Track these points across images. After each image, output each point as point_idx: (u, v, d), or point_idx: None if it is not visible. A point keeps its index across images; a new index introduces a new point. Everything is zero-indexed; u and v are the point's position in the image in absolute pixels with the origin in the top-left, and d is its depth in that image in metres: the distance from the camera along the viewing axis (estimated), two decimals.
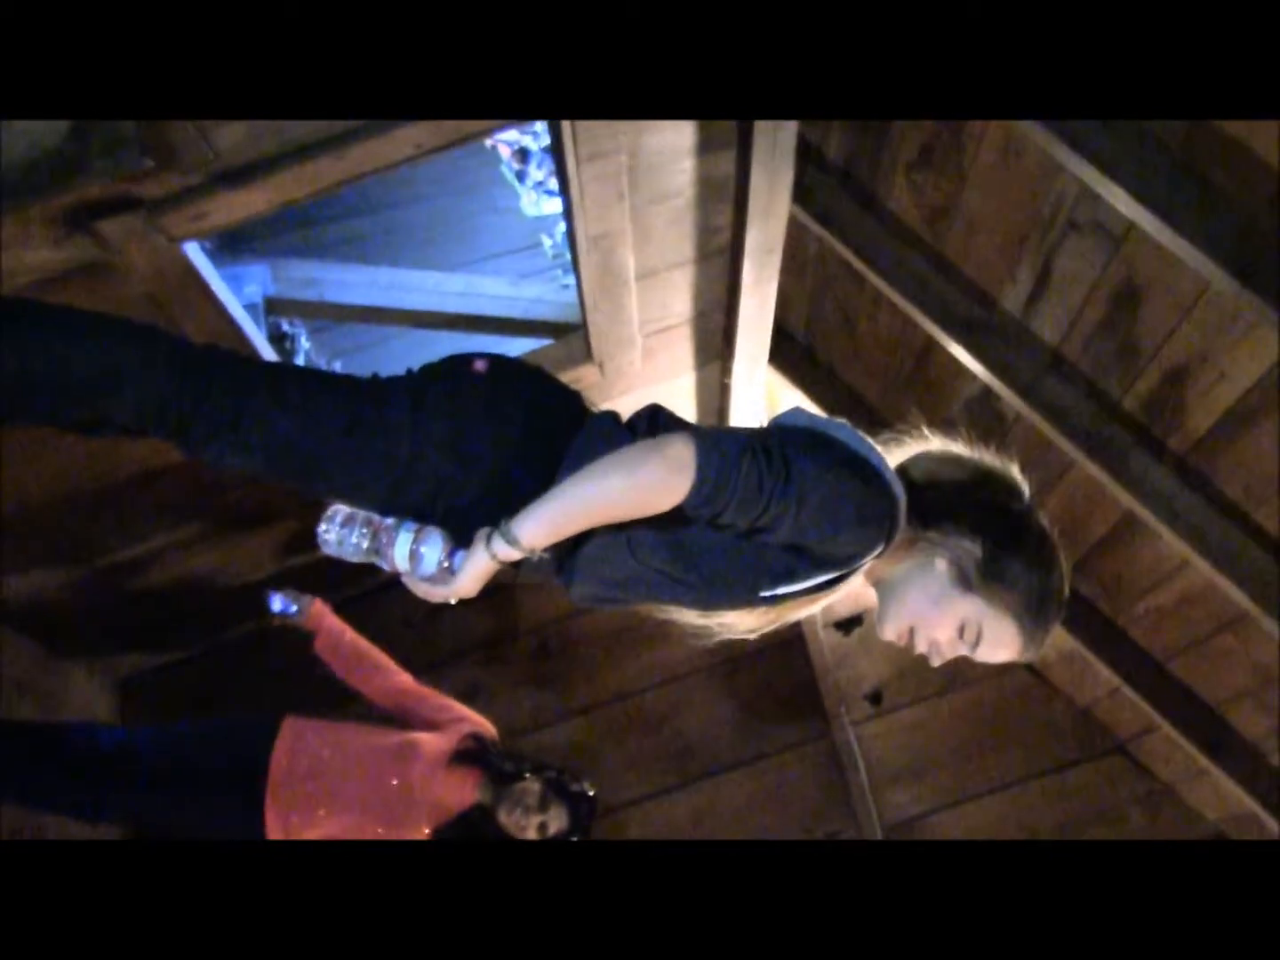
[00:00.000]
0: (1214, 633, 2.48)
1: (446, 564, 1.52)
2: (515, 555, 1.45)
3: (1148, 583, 2.56)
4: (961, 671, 3.37)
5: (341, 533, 1.61)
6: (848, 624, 3.53)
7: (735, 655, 3.45)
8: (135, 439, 1.58)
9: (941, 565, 1.55)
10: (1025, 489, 1.61)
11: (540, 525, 1.43)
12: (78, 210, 1.91)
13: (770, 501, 1.38)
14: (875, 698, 3.43)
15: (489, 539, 1.46)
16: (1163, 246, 1.71)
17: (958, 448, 1.65)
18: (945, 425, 1.68)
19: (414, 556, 1.53)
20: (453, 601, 1.55)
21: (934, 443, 1.66)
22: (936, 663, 1.62)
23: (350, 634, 2.83)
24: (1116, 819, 3.18)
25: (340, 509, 1.64)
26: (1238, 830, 3.02)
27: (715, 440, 1.40)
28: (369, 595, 3.60)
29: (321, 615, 2.78)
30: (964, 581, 1.53)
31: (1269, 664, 2.37)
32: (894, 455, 1.63)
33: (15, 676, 3.12)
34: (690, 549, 1.50)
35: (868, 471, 1.46)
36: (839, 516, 1.43)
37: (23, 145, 1.60)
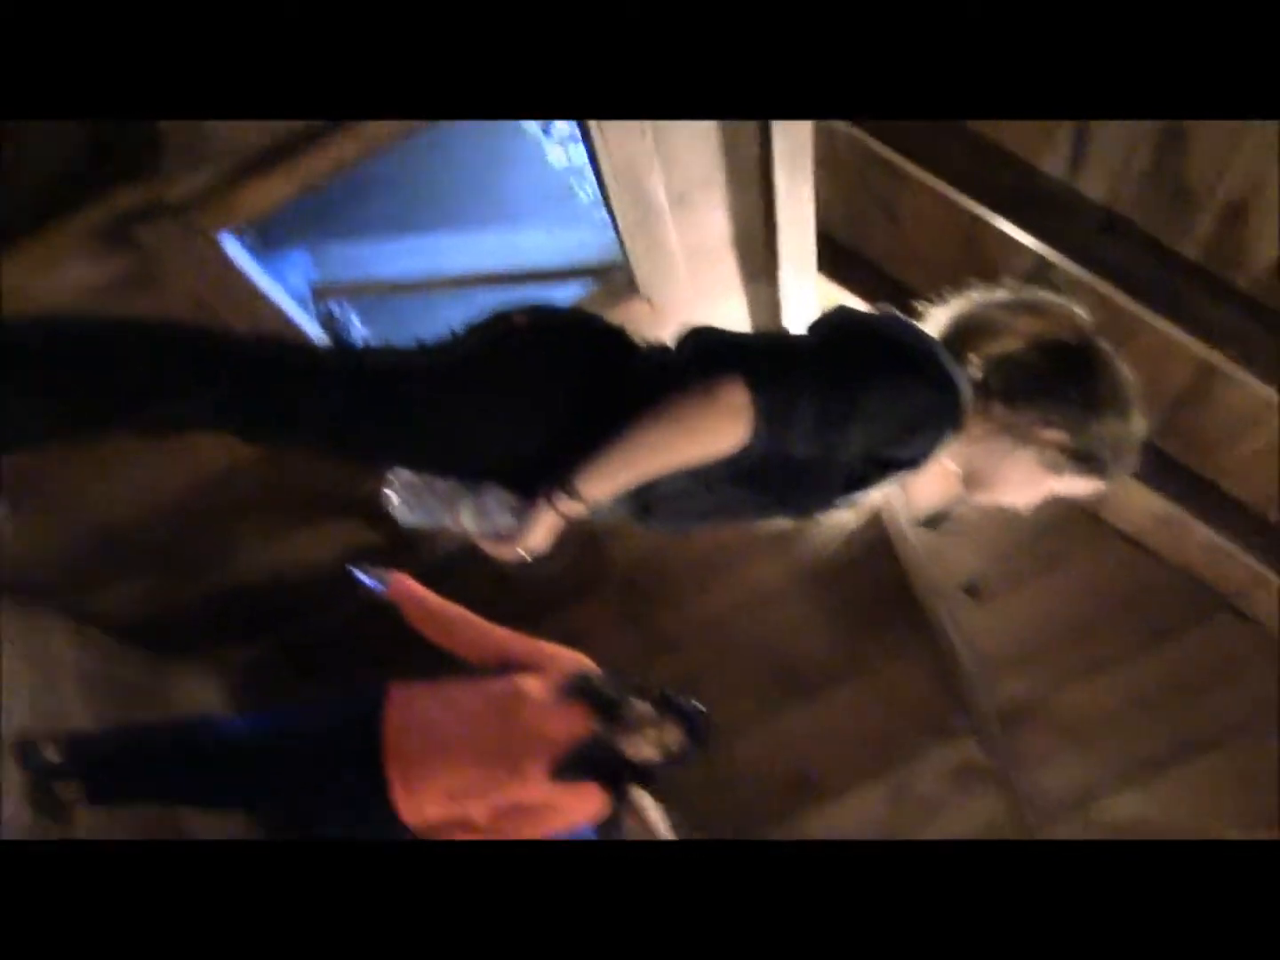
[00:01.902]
0: None
1: (512, 520, 1.53)
2: (579, 509, 1.47)
3: (1233, 431, 2.50)
4: (1055, 551, 3.34)
5: (408, 498, 1.63)
6: (933, 520, 3.49)
7: (823, 567, 3.44)
8: (191, 433, 1.61)
9: (1027, 454, 1.55)
10: (1084, 324, 1.59)
11: (598, 479, 1.44)
12: (110, 222, 1.94)
13: (833, 429, 1.39)
14: (972, 589, 3.40)
15: (551, 495, 1.47)
16: None
17: (1001, 294, 1.62)
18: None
19: (479, 516, 1.54)
20: (524, 557, 1.56)
21: (975, 298, 1.64)
22: (1026, 513, 1.66)
23: (436, 599, 2.88)
24: (1235, 675, 3.13)
25: (402, 474, 1.66)
26: None
27: (769, 376, 1.39)
28: (457, 560, 3.65)
29: (406, 586, 2.83)
30: (1054, 467, 1.55)
31: None
32: (941, 325, 1.62)
33: (129, 682, 3.23)
34: (761, 473, 1.49)
35: (926, 367, 1.44)
36: (905, 424, 1.43)
37: (44, 162, 1.62)
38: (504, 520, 1.53)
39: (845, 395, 1.38)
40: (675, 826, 3.02)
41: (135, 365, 1.48)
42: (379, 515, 3.20)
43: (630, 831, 3.06)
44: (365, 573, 2.81)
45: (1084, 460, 1.55)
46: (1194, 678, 3.16)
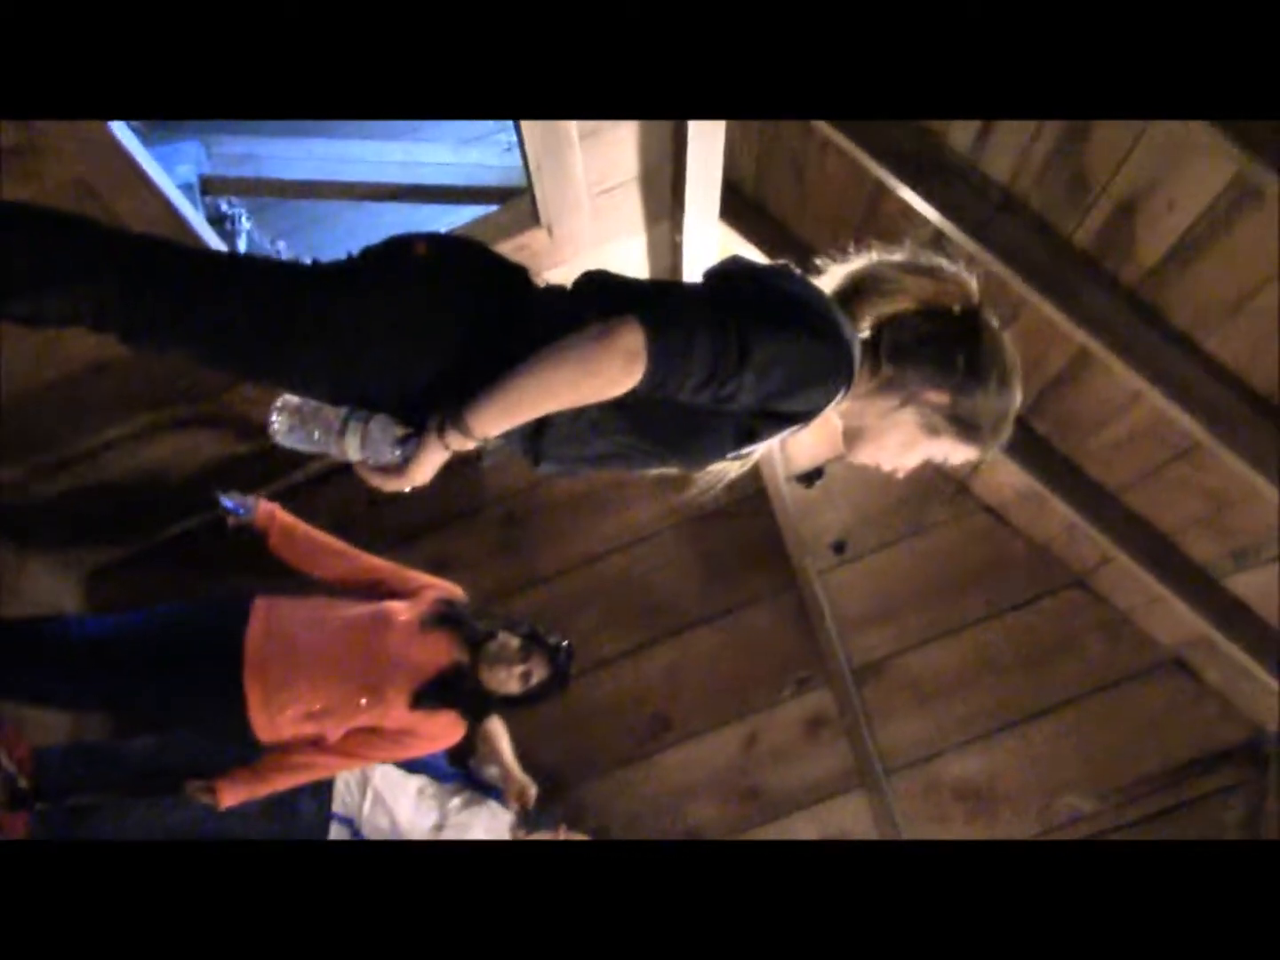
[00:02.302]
0: (1167, 463, 2.52)
1: (398, 452, 1.51)
2: (468, 444, 1.46)
3: (1102, 417, 2.59)
4: (923, 517, 3.44)
5: (291, 423, 1.60)
6: (809, 476, 3.55)
7: (699, 513, 3.49)
8: (70, 328, 1.55)
9: (908, 415, 1.59)
10: (974, 292, 1.62)
11: (491, 414, 1.43)
12: None
13: (725, 379, 1.40)
14: (839, 547, 3.48)
15: (441, 428, 1.46)
16: None
17: (898, 255, 1.65)
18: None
19: (364, 445, 1.52)
20: (406, 490, 1.55)
21: (873, 257, 1.66)
22: (900, 477, 1.70)
23: (303, 528, 2.83)
24: (1078, 648, 3.27)
25: (289, 399, 1.63)
26: (1192, 653, 3.12)
27: (665, 321, 1.39)
28: (333, 474, 3.61)
29: (272, 513, 2.77)
30: (932, 430, 1.59)
31: (1220, 490, 2.42)
32: (838, 279, 1.65)
33: None
34: (653, 422, 1.51)
35: (818, 322, 1.46)
36: (795, 379, 1.44)
37: None
38: (388, 451, 1.51)
39: (738, 345, 1.39)
40: (530, 764, 3.06)
41: (17, 251, 1.42)
42: (252, 428, 3.17)
43: (481, 757, 3.10)
44: (231, 499, 2.74)
45: (963, 425, 1.59)
46: (1040, 648, 3.29)
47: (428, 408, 1.50)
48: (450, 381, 1.48)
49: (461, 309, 1.51)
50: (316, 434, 1.57)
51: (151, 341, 1.50)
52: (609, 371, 1.37)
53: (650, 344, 1.37)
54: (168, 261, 1.52)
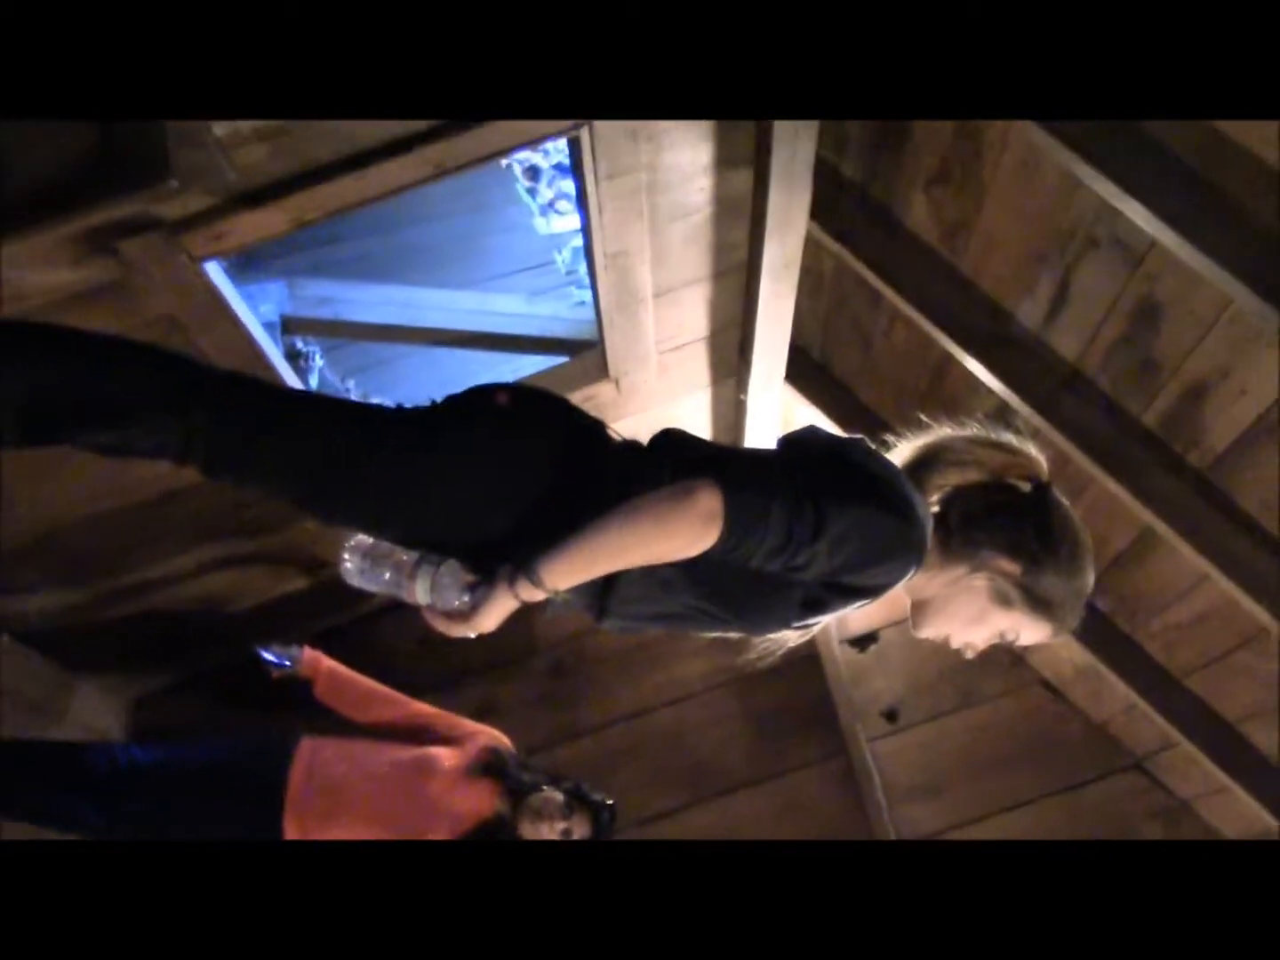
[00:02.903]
0: (1232, 649, 2.47)
1: (467, 599, 1.51)
2: (538, 595, 1.45)
3: (1166, 599, 2.55)
4: (977, 688, 3.38)
5: (363, 564, 1.61)
6: (863, 640, 3.52)
7: (750, 673, 3.42)
8: (152, 461, 1.58)
9: (980, 584, 1.56)
10: (1044, 469, 1.62)
11: (563, 568, 1.42)
12: (100, 230, 1.92)
13: (799, 549, 1.39)
14: (891, 715, 3.41)
15: (512, 578, 1.45)
16: (1183, 263, 1.71)
17: (971, 434, 1.65)
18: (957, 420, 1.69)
19: (434, 590, 1.52)
20: (471, 636, 1.54)
21: (945, 434, 1.66)
22: (971, 655, 1.66)
23: (349, 675, 2.83)
24: (1134, 835, 3.15)
25: (362, 540, 1.64)
26: None
27: (742, 488, 1.39)
28: (383, 614, 3.62)
29: (317, 661, 2.78)
30: (1004, 600, 1.56)
31: None
32: (908, 452, 1.65)
33: (29, 694, 3.13)
34: (723, 587, 1.50)
35: (893, 498, 1.46)
36: (869, 555, 1.43)
37: (48, 162, 1.60)
38: (457, 597, 1.51)
39: (815, 516, 1.39)
40: None
41: (112, 382, 1.46)
42: (322, 559, 3.20)
43: None
44: (273, 652, 2.75)
45: (1035, 598, 1.55)
46: (1094, 832, 3.18)
47: (499, 556, 1.50)
48: (524, 532, 1.49)
49: (539, 461, 1.52)
50: (387, 575, 1.58)
51: (233, 475, 1.52)
52: (685, 533, 1.37)
53: (727, 508, 1.36)
54: (256, 398, 1.55)
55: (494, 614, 1.49)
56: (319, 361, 3.73)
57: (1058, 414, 2.26)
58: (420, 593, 1.53)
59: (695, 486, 1.38)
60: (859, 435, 1.60)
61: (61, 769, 2.61)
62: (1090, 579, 1.61)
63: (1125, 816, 3.18)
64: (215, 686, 3.63)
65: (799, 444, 1.60)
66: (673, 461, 1.51)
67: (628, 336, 2.73)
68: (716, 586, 1.50)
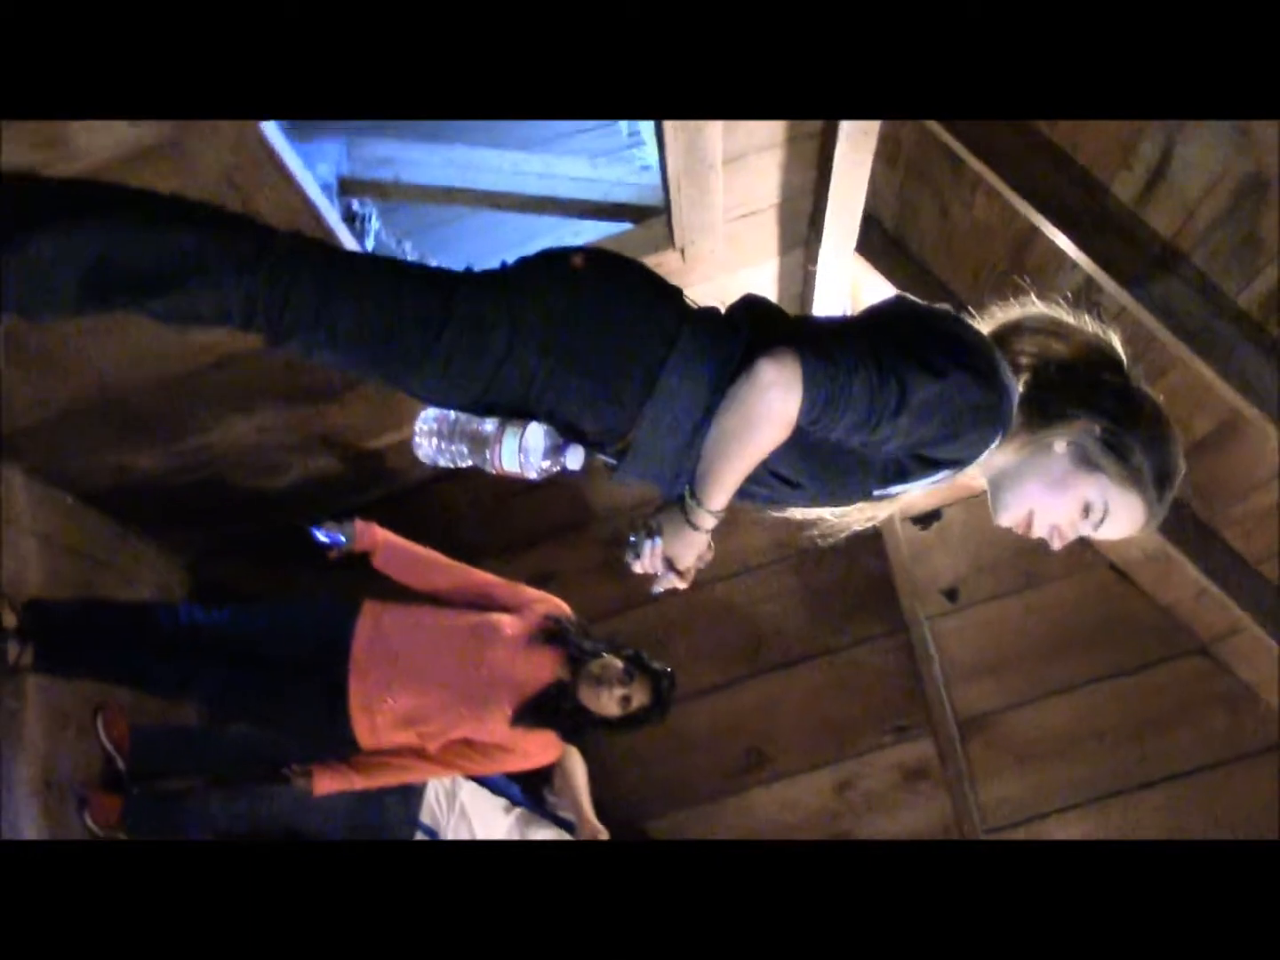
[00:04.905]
0: None
1: (554, 461, 1.50)
2: (710, 521, 1.49)
3: (1247, 485, 2.48)
4: (1040, 569, 3.33)
5: (438, 438, 1.59)
6: (927, 518, 3.47)
7: (811, 548, 3.42)
8: (212, 328, 1.55)
9: (1061, 447, 1.51)
10: (1126, 361, 1.58)
11: (712, 491, 1.46)
12: None
13: (881, 421, 1.37)
14: (952, 594, 3.39)
15: (691, 518, 1.49)
16: None
17: (1058, 313, 1.61)
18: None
19: (522, 452, 1.50)
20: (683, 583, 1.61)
21: (1033, 308, 1.62)
22: (1057, 545, 1.59)
23: (406, 545, 2.81)
24: (1195, 720, 3.14)
25: (432, 415, 1.61)
26: None
27: (821, 360, 1.37)
28: (437, 480, 3.61)
29: (371, 532, 2.75)
30: (1086, 460, 1.50)
31: None
32: (994, 324, 1.61)
33: (93, 552, 3.20)
34: (805, 454, 1.48)
35: (981, 366, 1.42)
36: (953, 424, 1.40)
37: None
38: (549, 457, 1.50)
39: (898, 388, 1.36)
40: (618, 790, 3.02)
41: (174, 248, 1.43)
42: (383, 420, 3.18)
43: (557, 791, 3.06)
44: (325, 530, 2.72)
45: (1119, 457, 1.49)
46: (1155, 715, 3.17)
47: (577, 417, 1.50)
48: (600, 393, 1.48)
49: (618, 323, 1.49)
50: (465, 447, 1.55)
51: (301, 342, 1.49)
52: (773, 415, 1.38)
53: (806, 380, 1.35)
54: (324, 262, 1.51)
55: (691, 553, 1.55)
56: (375, 224, 3.65)
57: (1146, 292, 2.15)
58: (507, 457, 1.51)
59: (770, 366, 1.36)
60: (946, 305, 1.54)
61: (126, 626, 2.67)
62: (1177, 455, 1.56)
63: (1188, 700, 3.16)
64: (274, 553, 3.66)
65: (884, 314, 1.55)
66: (751, 332, 1.48)
67: (695, 204, 2.63)
68: (799, 453, 1.48)
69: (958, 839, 3.15)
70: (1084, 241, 2.18)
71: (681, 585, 1.61)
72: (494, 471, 1.55)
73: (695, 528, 1.49)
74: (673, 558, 1.56)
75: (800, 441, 1.44)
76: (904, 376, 1.37)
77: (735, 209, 2.77)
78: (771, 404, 1.36)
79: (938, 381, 1.38)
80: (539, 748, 2.69)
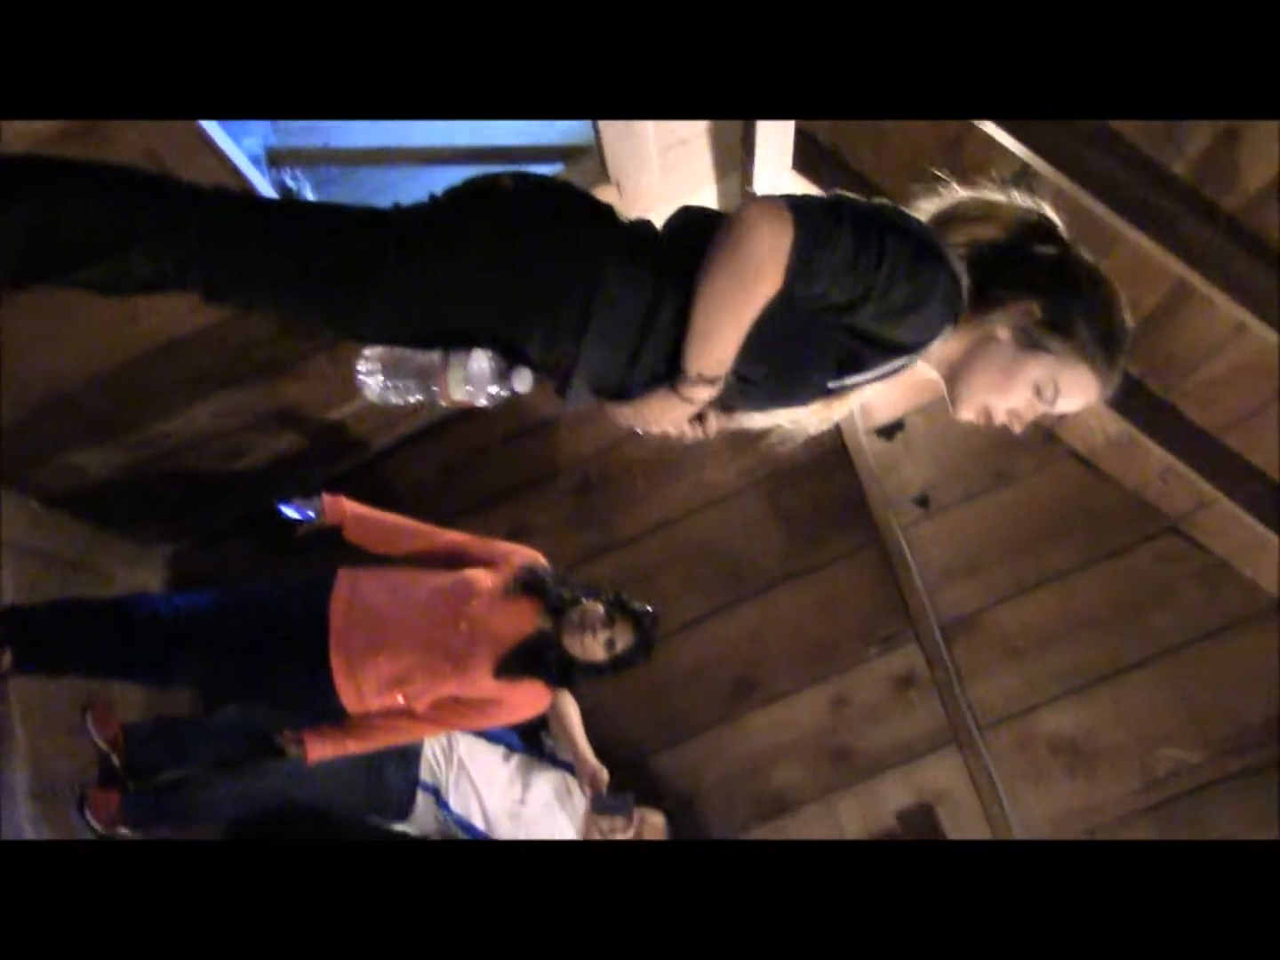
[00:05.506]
0: (1270, 399, 2.43)
1: (498, 386, 1.49)
2: (700, 390, 1.48)
3: (1200, 355, 2.50)
4: (1008, 467, 3.36)
5: (383, 374, 1.57)
6: (889, 430, 3.48)
7: (778, 472, 3.44)
8: (152, 294, 1.53)
9: (1003, 333, 1.53)
10: (1061, 228, 1.59)
11: (700, 352, 1.44)
12: None
13: (866, 266, 1.36)
14: (923, 501, 3.41)
15: (678, 387, 1.48)
16: None
17: (987, 194, 1.62)
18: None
19: (470, 380, 1.49)
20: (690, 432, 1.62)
21: (960, 196, 1.63)
22: (1018, 429, 1.62)
23: (375, 514, 2.81)
24: (1174, 597, 3.17)
25: (375, 351, 1.60)
26: None
27: (807, 203, 1.38)
28: (401, 447, 3.60)
29: (339, 505, 2.75)
30: (1030, 343, 1.52)
31: None
32: (925, 212, 1.61)
33: (69, 556, 3.17)
34: (764, 340, 1.47)
35: (934, 249, 1.43)
36: (917, 297, 1.41)
37: None
38: (494, 382, 1.49)
39: (878, 245, 1.37)
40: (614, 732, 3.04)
41: (101, 211, 1.41)
42: (339, 392, 3.16)
43: (554, 735, 3.07)
44: (293, 506, 2.71)
45: (1061, 331, 1.51)
46: (1135, 598, 3.20)
47: (524, 338, 1.49)
48: (541, 312, 1.48)
49: (556, 236, 1.48)
50: (411, 381, 1.54)
51: (238, 294, 1.48)
52: (766, 249, 1.35)
53: (798, 212, 1.36)
54: (249, 211, 1.51)
55: (678, 420, 1.55)
56: (310, 197, 3.62)
57: (1082, 171, 2.16)
58: (454, 386, 1.50)
59: (755, 207, 1.37)
60: (885, 200, 1.54)
61: (106, 621, 2.65)
62: (1120, 317, 1.58)
63: (1164, 579, 3.19)
64: (248, 538, 3.65)
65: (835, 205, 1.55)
66: (691, 230, 1.49)
67: (625, 137, 2.62)
68: (759, 340, 1.46)
69: (953, 744, 3.19)
70: (1016, 130, 2.18)
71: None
72: (444, 403, 1.54)
73: (686, 400, 1.50)
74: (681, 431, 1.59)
75: (761, 334, 1.44)
76: (881, 231, 1.38)
77: (666, 138, 2.75)
78: (762, 240, 1.35)
79: (904, 254, 1.39)
80: (528, 698, 2.70)
